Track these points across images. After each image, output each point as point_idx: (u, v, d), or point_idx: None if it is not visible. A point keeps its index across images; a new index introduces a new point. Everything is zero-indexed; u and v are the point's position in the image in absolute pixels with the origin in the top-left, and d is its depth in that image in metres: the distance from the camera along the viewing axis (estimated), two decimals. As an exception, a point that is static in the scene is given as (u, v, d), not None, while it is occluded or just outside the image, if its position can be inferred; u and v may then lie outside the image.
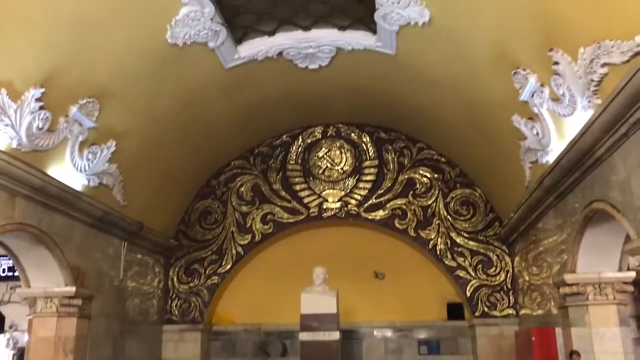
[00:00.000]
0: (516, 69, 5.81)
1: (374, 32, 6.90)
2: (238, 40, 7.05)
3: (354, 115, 9.64)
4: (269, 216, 9.83)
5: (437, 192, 9.61)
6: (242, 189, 9.96)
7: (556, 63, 5.08)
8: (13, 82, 5.21)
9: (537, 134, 6.15)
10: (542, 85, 5.58)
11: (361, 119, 9.74)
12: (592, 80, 4.69)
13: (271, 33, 7.11)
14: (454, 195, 9.58)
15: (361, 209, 9.65)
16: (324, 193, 9.77)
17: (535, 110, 5.89)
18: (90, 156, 6.61)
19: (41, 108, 5.54)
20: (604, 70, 4.52)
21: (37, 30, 5.17)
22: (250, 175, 9.99)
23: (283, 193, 9.84)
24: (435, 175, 9.66)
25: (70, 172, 6.40)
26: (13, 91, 5.24)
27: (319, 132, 9.96)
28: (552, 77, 5.28)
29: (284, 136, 9.99)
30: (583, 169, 5.43)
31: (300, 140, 9.96)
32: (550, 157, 6.07)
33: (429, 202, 9.60)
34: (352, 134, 9.89)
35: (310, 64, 7.62)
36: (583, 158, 5.29)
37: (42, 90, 5.46)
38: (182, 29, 6.17)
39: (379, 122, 9.73)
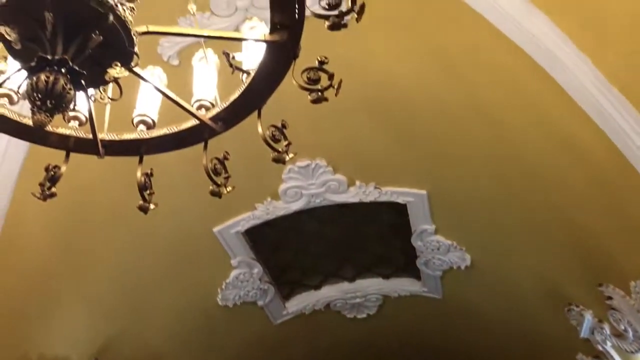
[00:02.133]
0: (569, 306, 5.66)
1: (419, 277, 7.00)
2: (286, 297, 7.22)
3: (408, 362, 9.25)
4: None
5: None
6: None
7: (609, 298, 4.97)
8: (69, 356, 5.33)
9: (609, 373, 5.73)
10: (600, 321, 5.37)
11: (415, 366, 9.30)
12: (653, 313, 4.52)
13: (317, 287, 7.29)
14: None
15: None
16: None
17: (600, 347, 5.57)
18: None
19: (93, 381, 5.56)
20: (663, 303, 4.38)
21: (92, 302, 5.45)
22: None
23: None
24: None
25: None
26: (68, 365, 5.33)
27: (373, 384, 9.46)
28: (609, 312, 5.10)
29: (337, 390, 9.49)
30: (670, 412, 4.91)
31: (355, 393, 9.42)
32: (631, 399, 5.54)
33: None
34: (409, 383, 9.34)
35: (358, 313, 7.63)
36: (666, 400, 4.82)
37: (96, 362, 5.55)
38: (232, 291, 6.42)
39: (435, 368, 9.25)
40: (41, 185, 2.33)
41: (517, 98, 4.18)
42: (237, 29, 4.13)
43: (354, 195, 5.59)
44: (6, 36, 1.71)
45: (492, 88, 4.22)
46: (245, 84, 2.22)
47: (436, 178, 5.38)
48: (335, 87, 2.11)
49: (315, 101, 2.09)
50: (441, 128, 4.77)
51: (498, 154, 4.71)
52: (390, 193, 5.59)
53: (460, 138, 4.78)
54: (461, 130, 4.69)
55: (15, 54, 1.85)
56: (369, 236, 6.53)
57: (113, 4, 1.81)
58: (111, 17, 1.80)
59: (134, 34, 1.90)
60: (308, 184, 5.48)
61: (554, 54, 3.65)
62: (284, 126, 2.29)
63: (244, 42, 2.29)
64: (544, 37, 3.63)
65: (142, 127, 2.38)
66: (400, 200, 5.65)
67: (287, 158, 2.26)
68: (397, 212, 5.97)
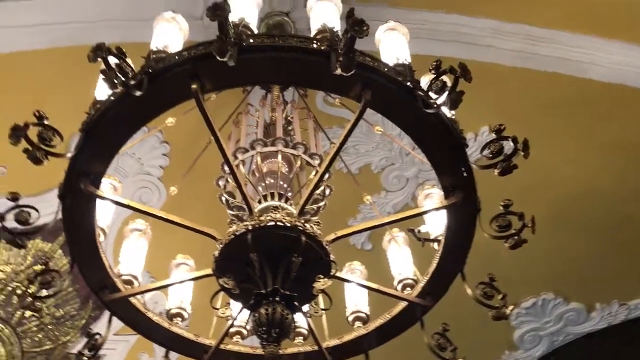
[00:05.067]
0: None
1: None
2: None
3: None
4: None
5: None
6: None
7: None
8: None
9: None
10: None
11: None
12: None
13: None
14: None
15: None
16: None
17: None
18: None
19: None
20: None
21: None
22: None
23: None
24: None
25: None
26: None
27: None
28: None
29: None
30: None
31: None
32: None
33: None
34: None
35: None
36: None
37: None
38: None
39: None
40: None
41: None
42: (413, 198, 4.26)
43: (599, 320, 4.98)
44: (225, 285, 1.94)
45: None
46: (439, 252, 2.22)
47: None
48: (530, 224, 2.02)
49: (514, 247, 2.01)
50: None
51: None
52: (641, 305, 4.89)
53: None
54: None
55: (235, 297, 2.07)
56: (637, 361, 5.62)
57: (301, 225, 1.99)
58: (303, 238, 1.97)
59: (326, 244, 2.04)
60: (543, 323, 5.02)
61: None
62: (492, 279, 2.20)
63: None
64: None
65: (358, 323, 2.44)
66: (655, 310, 4.89)
67: (508, 312, 2.12)
68: (659, 325, 5.14)
